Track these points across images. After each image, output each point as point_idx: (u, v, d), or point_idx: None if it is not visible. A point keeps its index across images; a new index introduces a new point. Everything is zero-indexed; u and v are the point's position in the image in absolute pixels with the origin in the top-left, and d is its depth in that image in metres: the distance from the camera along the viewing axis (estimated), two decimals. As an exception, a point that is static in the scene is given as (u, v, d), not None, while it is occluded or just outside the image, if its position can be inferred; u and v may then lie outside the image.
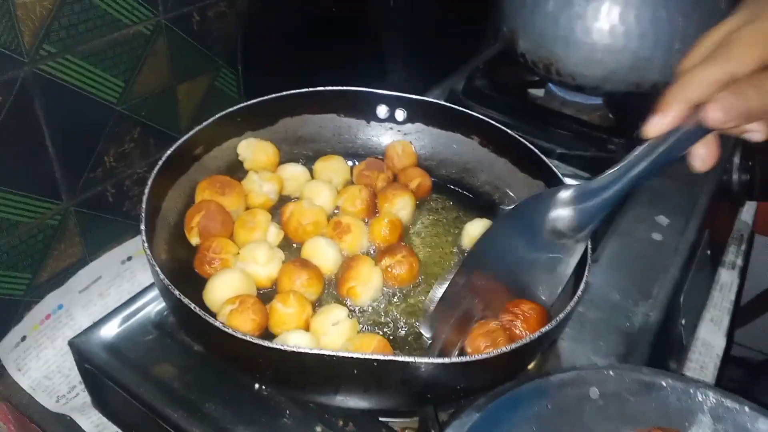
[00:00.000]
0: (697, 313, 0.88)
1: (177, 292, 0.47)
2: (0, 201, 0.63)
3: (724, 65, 0.43)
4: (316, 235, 0.63)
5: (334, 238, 0.63)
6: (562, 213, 0.53)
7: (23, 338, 0.70)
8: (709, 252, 0.92)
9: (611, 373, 0.50)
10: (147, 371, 0.57)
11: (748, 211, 1.13)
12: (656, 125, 0.46)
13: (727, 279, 0.99)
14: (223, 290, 0.54)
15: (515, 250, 0.54)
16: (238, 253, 0.59)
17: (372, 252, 0.65)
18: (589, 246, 0.57)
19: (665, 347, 0.74)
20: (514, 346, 0.46)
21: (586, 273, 0.54)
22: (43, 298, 0.72)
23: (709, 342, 0.87)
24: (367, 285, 0.59)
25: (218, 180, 0.63)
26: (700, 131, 0.45)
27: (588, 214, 0.52)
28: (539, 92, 1.10)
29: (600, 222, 0.53)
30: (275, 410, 0.54)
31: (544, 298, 0.56)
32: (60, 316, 0.73)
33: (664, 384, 0.51)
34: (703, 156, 0.47)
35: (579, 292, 0.52)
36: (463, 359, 0.45)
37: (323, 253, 0.61)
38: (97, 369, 0.57)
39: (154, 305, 0.62)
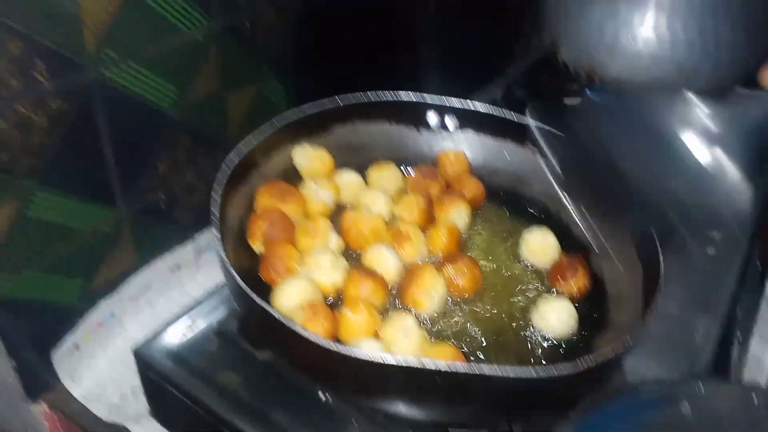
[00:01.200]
0: (748, 328, 0.86)
1: (259, 300, 0.46)
2: (58, 207, 0.63)
3: None
4: (375, 243, 0.63)
5: (394, 246, 0.63)
6: None
7: (77, 347, 0.70)
8: (758, 263, 0.91)
9: (702, 387, 0.49)
10: (212, 379, 0.56)
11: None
12: None
13: (773, 292, 0.98)
14: (292, 297, 0.54)
15: None
16: (302, 261, 0.58)
17: (429, 261, 0.65)
18: (661, 259, 0.56)
19: (724, 361, 0.73)
20: (600, 360, 0.45)
21: (658, 289, 0.54)
22: (96, 306, 0.71)
23: (759, 357, 0.85)
24: (431, 294, 0.58)
25: (278, 187, 0.63)
26: None
27: None
28: (575, 101, 1.09)
29: None
30: (342, 420, 0.54)
31: None
32: (112, 325, 0.73)
33: (756, 400, 0.49)
34: None
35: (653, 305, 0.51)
36: (552, 374, 0.44)
37: (385, 262, 0.60)
38: (161, 377, 0.57)
39: (215, 314, 0.62)
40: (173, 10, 0.65)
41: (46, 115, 0.57)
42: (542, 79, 1.07)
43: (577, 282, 0.61)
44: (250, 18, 0.76)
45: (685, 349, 0.66)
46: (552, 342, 0.58)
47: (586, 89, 1.06)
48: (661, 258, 0.56)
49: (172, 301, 0.77)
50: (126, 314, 0.73)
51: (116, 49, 0.61)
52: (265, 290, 0.57)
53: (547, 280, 0.64)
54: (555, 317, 0.57)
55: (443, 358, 0.50)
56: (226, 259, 0.49)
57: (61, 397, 0.68)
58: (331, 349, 0.44)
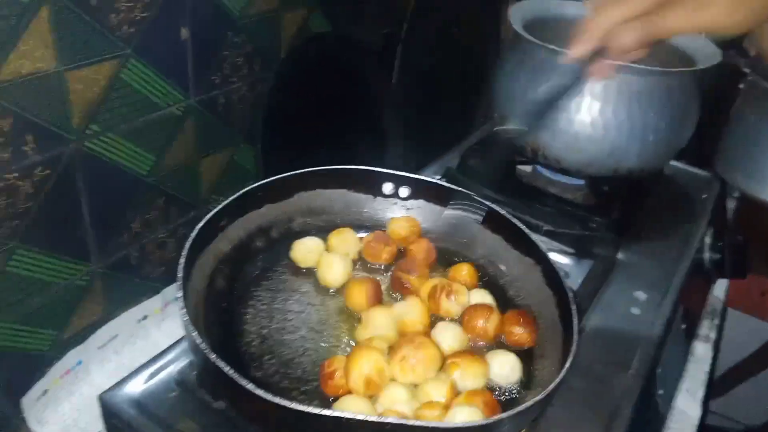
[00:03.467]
0: (674, 384, 0.94)
1: (214, 356, 0.52)
2: (37, 262, 0.69)
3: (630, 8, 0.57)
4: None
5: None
6: None
7: (45, 392, 0.74)
8: (684, 326, 0.99)
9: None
10: (171, 426, 0.61)
11: (720, 287, 1.21)
12: (580, 50, 0.60)
13: (701, 351, 1.06)
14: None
15: None
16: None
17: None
18: (575, 324, 0.63)
19: (644, 416, 0.80)
20: (504, 415, 0.52)
21: (573, 349, 0.61)
22: (65, 354, 0.76)
23: (685, 411, 0.93)
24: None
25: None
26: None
27: None
28: (527, 168, 1.18)
29: None
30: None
31: None
32: (78, 372, 0.77)
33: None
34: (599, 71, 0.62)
35: (567, 365, 0.58)
36: (455, 425, 0.51)
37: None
38: (123, 424, 0.61)
39: (176, 363, 0.67)
40: (155, 90, 0.73)
41: (31, 182, 0.64)
42: (494, 150, 1.17)
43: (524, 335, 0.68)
44: (225, 94, 0.85)
45: (606, 404, 0.73)
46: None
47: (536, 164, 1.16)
48: (576, 321, 0.63)
49: (138, 349, 0.82)
50: (93, 362, 0.78)
51: (99, 124, 0.69)
52: (219, 343, 0.63)
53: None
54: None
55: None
56: (185, 314, 0.55)
57: (26, 440, 0.73)
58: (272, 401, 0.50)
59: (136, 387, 0.64)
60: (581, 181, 1.10)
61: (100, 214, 0.74)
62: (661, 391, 0.85)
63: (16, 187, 0.63)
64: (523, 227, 0.77)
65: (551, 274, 0.71)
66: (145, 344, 0.83)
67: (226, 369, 0.52)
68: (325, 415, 0.49)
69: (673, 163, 1.25)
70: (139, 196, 0.78)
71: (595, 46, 0.59)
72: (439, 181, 0.84)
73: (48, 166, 0.66)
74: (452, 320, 0.71)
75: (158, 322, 0.86)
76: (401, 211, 0.85)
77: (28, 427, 0.72)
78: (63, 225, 0.70)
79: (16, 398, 0.71)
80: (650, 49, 0.62)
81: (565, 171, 1.04)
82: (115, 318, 0.81)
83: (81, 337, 0.77)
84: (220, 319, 0.66)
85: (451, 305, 0.71)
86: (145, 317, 0.84)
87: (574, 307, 0.65)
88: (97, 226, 0.74)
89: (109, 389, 0.64)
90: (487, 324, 0.68)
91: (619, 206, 1.03)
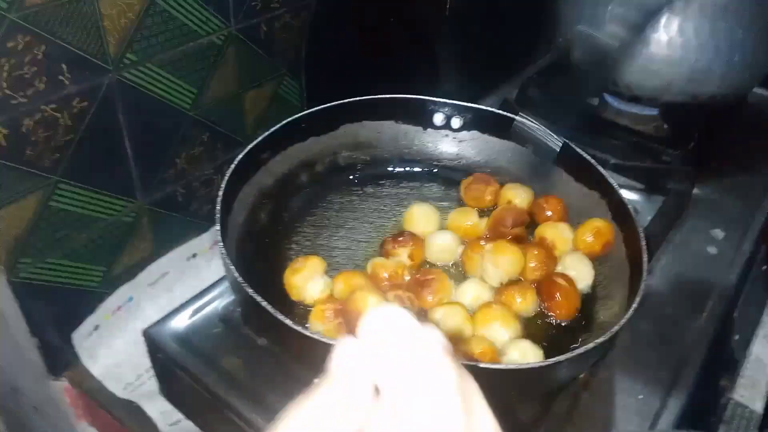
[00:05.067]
0: (751, 329, 0.86)
1: (254, 293, 0.50)
2: (82, 198, 0.68)
3: None
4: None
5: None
6: None
7: (96, 327, 0.75)
8: (765, 267, 0.91)
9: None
10: (214, 362, 0.60)
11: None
12: None
13: (785, 296, 0.97)
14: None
15: None
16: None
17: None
18: (645, 261, 0.58)
19: (717, 362, 0.73)
20: (562, 358, 0.47)
21: (641, 288, 0.55)
22: (116, 290, 0.76)
23: (762, 359, 0.85)
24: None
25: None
26: None
27: None
28: (593, 101, 1.09)
29: None
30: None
31: None
32: (130, 308, 0.78)
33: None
34: None
35: (634, 305, 0.53)
36: (512, 366, 0.47)
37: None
38: (168, 358, 0.61)
39: (220, 300, 0.66)
40: (193, 17, 0.70)
41: (70, 115, 0.62)
42: (557, 80, 1.08)
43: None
44: (267, 21, 0.80)
45: (675, 348, 0.67)
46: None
47: (603, 93, 1.07)
48: (645, 259, 0.58)
49: (188, 286, 0.82)
50: (144, 299, 0.78)
51: (137, 53, 0.66)
52: (262, 280, 0.61)
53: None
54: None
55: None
56: (223, 250, 0.53)
57: (80, 374, 0.74)
58: (315, 338, 0.47)
59: (181, 322, 0.64)
60: (654, 111, 1.01)
61: (143, 149, 0.72)
62: (736, 337, 0.78)
63: (54, 119, 0.61)
64: (587, 156, 0.71)
65: (619, 208, 0.65)
66: (196, 282, 0.82)
67: (265, 305, 0.50)
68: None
69: (758, 90, 1.13)
70: (183, 132, 0.76)
71: None
72: (493, 110, 0.77)
73: (86, 98, 0.64)
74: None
75: (208, 260, 0.85)
76: (453, 143, 0.79)
77: (80, 361, 0.73)
78: (105, 160, 0.69)
79: (67, 333, 0.72)
80: None
81: (636, 99, 0.95)
82: (165, 255, 0.81)
83: (130, 273, 0.77)
84: (263, 254, 0.64)
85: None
86: (194, 255, 0.84)
87: (643, 243, 0.59)
88: (140, 161, 0.72)
89: (154, 324, 0.63)
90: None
91: (696, 137, 0.94)
